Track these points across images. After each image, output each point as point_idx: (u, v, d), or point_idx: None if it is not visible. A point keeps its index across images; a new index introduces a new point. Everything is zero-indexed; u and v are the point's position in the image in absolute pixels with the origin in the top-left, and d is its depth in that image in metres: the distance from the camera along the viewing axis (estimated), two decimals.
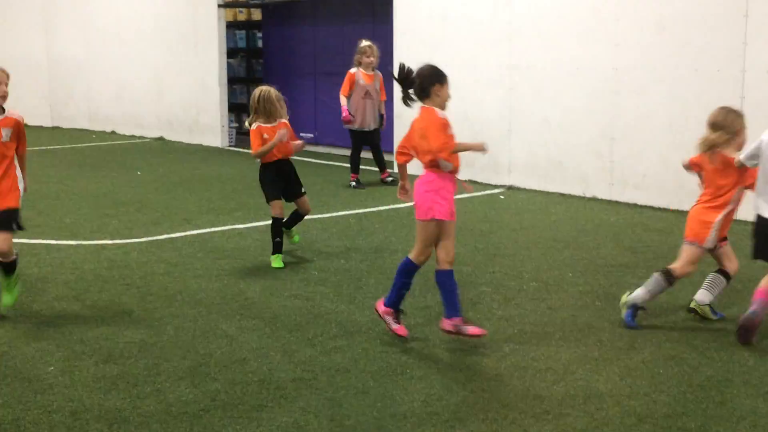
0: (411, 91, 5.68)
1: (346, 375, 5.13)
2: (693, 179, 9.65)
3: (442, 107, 5.68)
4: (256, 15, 17.54)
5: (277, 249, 7.66)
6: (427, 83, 5.64)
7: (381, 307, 5.82)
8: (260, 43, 17.40)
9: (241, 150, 15.87)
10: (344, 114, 11.71)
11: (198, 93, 16.86)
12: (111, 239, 8.63)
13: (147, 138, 17.98)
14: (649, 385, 4.94)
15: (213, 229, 9.09)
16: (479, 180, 11.76)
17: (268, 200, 7.79)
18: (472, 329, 5.58)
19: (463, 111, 11.95)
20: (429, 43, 12.44)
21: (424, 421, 4.54)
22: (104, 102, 19.21)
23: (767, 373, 5.11)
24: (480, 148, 5.79)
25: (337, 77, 12.45)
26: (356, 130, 11.88)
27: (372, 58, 11.78)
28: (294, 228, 8.13)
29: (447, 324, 5.63)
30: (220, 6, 16.29)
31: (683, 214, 9.55)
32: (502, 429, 4.44)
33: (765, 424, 4.44)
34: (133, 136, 18.30)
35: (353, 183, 11.81)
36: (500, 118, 11.62)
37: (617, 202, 10.35)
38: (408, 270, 5.78)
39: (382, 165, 12.03)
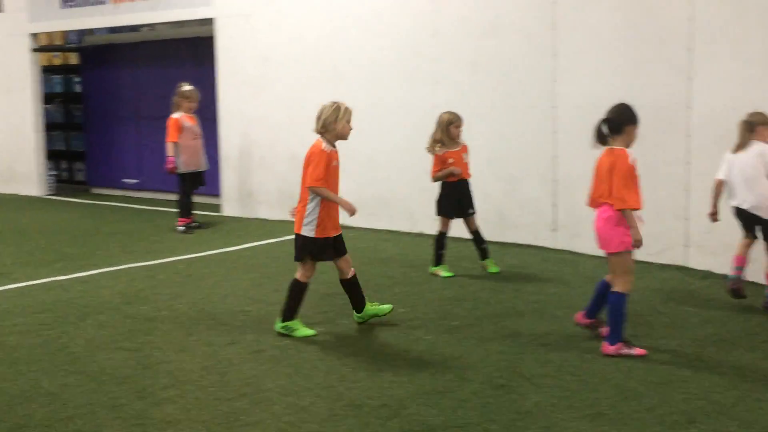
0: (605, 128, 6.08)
1: (177, 426, 4.98)
2: (512, 212, 10.09)
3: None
4: (73, 59, 17.03)
5: (439, 260, 8.68)
6: (624, 121, 6.07)
7: (608, 349, 6.07)
8: (78, 88, 16.87)
9: (61, 198, 15.26)
10: (170, 165, 11.43)
11: (12, 140, 16.12)
12: None
13: None
14: (480, 415, 5.06)
15: (32, 282, 8.67)
16: None
17: (445, 216, 8.70)
18: (637, 350, 6.06)
19: (291, 151, 11.98)
20: (254, 84, 12.43)
21: None
22: None
23: (588, 396, 5.33)
24: None
25: (161, 121, 12.21)
26: (187, 173, 11.62)
27: (195, 103, 11.65)
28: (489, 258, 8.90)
29: (609, 349, 6.07)
30: (34, 50, 15.69)
31: (505, 246, 9.92)
32: None
33: None
34: None
35: (181, 228, 11.55)
36: None
37: None
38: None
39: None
